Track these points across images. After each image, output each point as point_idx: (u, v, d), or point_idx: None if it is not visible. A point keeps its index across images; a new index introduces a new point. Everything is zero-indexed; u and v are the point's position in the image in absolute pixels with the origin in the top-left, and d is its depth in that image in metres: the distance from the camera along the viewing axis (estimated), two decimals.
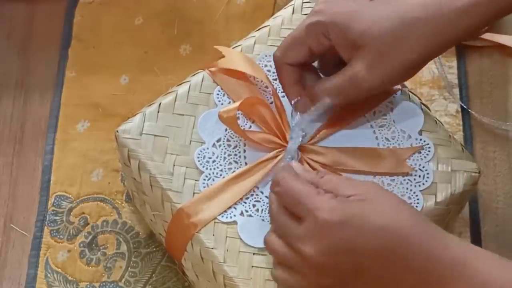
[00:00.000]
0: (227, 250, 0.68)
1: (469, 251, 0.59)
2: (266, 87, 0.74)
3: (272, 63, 0.75)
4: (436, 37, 0.65)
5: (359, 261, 0.59)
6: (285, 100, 0.72)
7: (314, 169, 0.70)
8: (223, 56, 0.76)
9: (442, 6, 0.64)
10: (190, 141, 0.73)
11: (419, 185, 0.71)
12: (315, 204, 0.60)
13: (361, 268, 0.59)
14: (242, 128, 0.72)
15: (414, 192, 0.71)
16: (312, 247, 0.59)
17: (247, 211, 0.69)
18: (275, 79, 0.75)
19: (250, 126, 0.73)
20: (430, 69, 0.89)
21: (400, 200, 0.61)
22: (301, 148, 0.71)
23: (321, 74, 0.72)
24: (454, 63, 0.90)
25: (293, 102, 0.70)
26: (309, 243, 0.59)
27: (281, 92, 0.73)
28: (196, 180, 0.71)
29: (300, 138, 0.70)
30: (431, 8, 0.64)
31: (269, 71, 0.75)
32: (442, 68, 0.88)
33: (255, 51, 0.77)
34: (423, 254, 0.58)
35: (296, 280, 0.62)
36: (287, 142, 0.71)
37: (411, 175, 0.71)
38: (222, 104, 0.74)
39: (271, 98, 0.74)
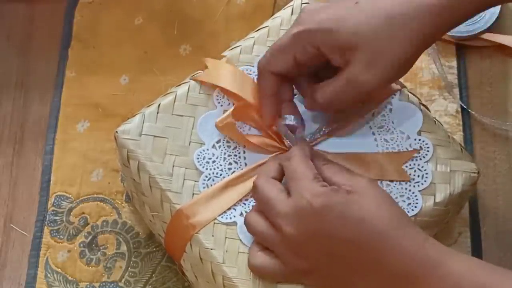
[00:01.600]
0: (226, 251, 0.68)
1: (445, 253, 0.61)
2: None
3: None
4: (425, 30, 0.65)
5: (334, 248, 0.61)
6: None
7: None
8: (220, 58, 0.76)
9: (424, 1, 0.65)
10: (190, 142, 0.73)
11: (418, 186, 0.71)
12: (305, 186, 0.63)
13: (336, 256, 0.62)
14: (242, 130, 0.72)
15: (413, 193, 0.71)
16: (292, 227, 0.62)
17: (247, 211, 0.69)
18: None
19: (250, 128, 0.73)
20: (430, 69, 0.89)
21: (388, 199, 0.64)
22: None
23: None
24: (454, 63, 0.89)
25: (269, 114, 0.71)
26: (290, 222, 0.63)
27: None
28: (195, 181, 0.71)
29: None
30: (415, 2, 0.65)
31: None
32: (442, 68, 0.88)
33: (254, 51, 0.77)
34: (397, 250, 0.60)
35: (274, 263, 0.65)
36: (285, 145, 0.71)
37: (410, 175, 0.71)
38: (221, 105, 0.74)
39: None
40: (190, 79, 0.75)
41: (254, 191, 0.67)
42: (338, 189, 0.63)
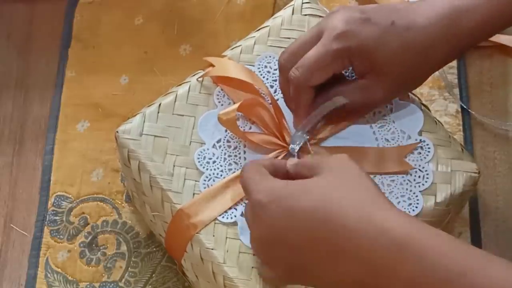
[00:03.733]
0: (227, 251, 0.68)
1: (413, 231, 0.56)
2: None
3: (272, 64, 0.76)
4: (449, 57, 0.71)
5: (291, 242, 0.59)
6: (282, 102, 0.72)
7: None
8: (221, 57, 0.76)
9: (457, 25, 0.68)
10: (190, 141, 0.73)
11: (419, 186, 0.71)
12: (256, 187, 0.61)
13: (294, 250, 0.59)
14: (242, 129, 0.72)
15: (414, 193, 0.71)
16: (256, 230, 0.62)
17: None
18: (275, 80, 0.75)
19: (250, 127, 0.73)
20: None
21: (354, 177, 0.60)
22: (300, 149, 0.71)
23: None
24: (454, 63, 0.89)
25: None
26: (253, 226, 0.62)
27: (276, 93, 0.74)
28: (196, 181, 0.71)
29: (303, 141, 0.71)
30: (446, 29, 0.67)
31: (269, 72, 0.76)
32: (442, 68, 0.88)
33: (255, 51, 0.77)
34: (355, 238, 0.56)
35: (266, 271, 0.66)
36: (286, 143, 0.71)
37: (410, 175, 0.71)
38: (222, 104, 0.74)
39: (269, 99, 0.74)
40: (197, 78, 0.75)
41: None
42: (291, 181, 0.61)
